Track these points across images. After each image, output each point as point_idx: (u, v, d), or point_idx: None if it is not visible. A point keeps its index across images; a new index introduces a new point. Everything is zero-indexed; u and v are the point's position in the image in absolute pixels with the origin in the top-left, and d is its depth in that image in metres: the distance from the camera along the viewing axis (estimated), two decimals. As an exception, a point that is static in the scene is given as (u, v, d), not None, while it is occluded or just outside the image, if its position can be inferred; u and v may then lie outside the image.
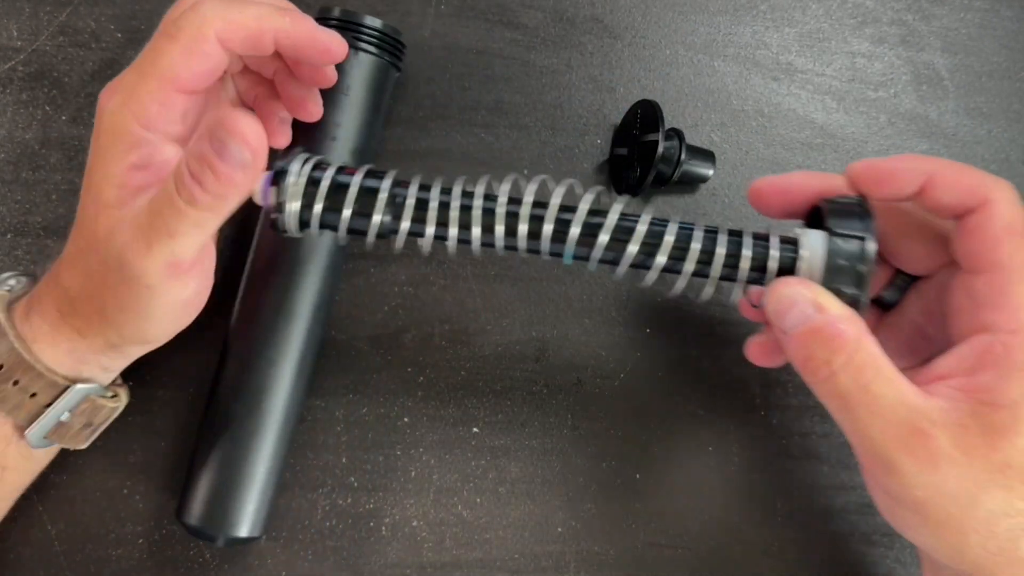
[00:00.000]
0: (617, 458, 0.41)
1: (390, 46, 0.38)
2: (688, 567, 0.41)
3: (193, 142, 0.27)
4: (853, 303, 0.27)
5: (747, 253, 0.29)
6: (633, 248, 0.29)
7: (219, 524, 0.35)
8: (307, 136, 0.37)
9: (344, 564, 0.39)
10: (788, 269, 0.28)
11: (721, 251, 0.29)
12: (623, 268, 0.29)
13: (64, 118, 0.40)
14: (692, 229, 0.29)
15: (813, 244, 0.28)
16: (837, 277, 0.27)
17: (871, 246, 0.27)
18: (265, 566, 0.38)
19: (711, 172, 0.42)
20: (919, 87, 0.45)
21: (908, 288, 0.34)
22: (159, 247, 0.28)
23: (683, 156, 0.41)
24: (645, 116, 0.40)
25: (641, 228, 0.29)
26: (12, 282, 0.35)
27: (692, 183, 0.43)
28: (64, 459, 0.38)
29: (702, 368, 0.42)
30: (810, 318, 0.27)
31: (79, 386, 0.32)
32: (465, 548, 0.40)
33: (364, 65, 0.37)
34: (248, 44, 0.30)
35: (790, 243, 0.29)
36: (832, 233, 0.28)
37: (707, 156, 0.42)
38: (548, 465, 0.41)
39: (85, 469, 0.38)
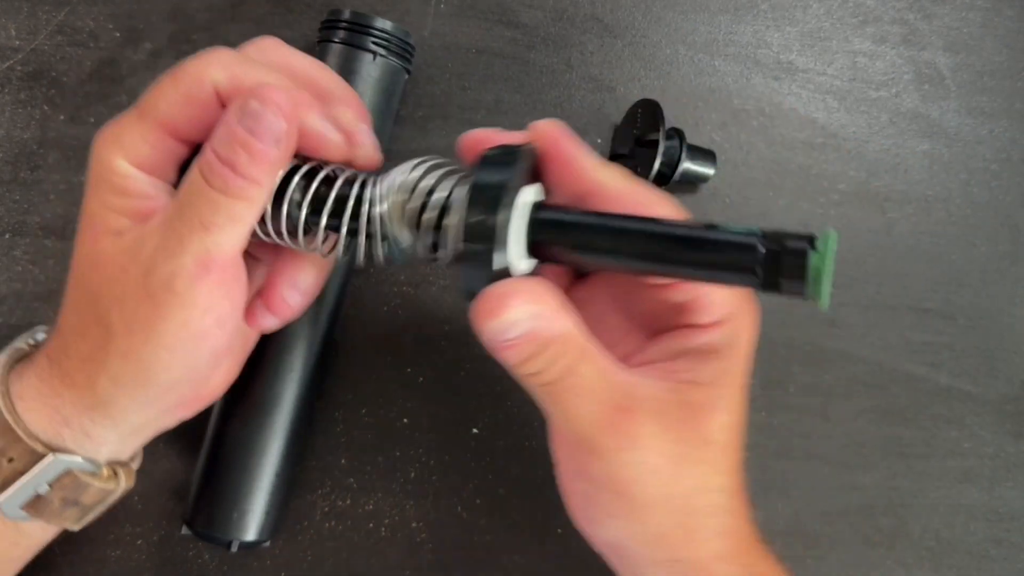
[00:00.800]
0: (617, 459, 0.41)
1: (402, 49, 0.38)
2: (688, 568, 0.40)
3: (216, 131, 0.26)
4: (488, 233, 0.25)
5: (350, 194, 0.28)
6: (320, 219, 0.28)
7: (236, 529, 0.35)
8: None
9: (344, 565, 0.39)
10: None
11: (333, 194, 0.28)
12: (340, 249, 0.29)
13: (62, 118, 0.40)
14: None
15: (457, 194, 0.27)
16: (475, 210, 0.26)
17: (510, 180, 0.26)
18: (264, 568, 0.38)
19: (712, 172, 0.42)
20: (921, 86, 0.45)
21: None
22: (191, 241, 0.26)
23: (684, 155, 0.40)
24: (645, 115, 0.40)
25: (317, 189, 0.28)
26: (41, 335, 0.32)
27: (693, 183, 0.43)
28: (63, 460, 0.38)
29: (703, 368, 0.42)
30: (530, 329, 0.26)
31: (59, 456, 0.28)
32: (465, 549, 0.39)
33: (379, 69, 0.37)
34: None
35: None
36: (481, 166, 0.27)
37: (708, 156, 0.42)
38: (548, 465, 0.40)
39: (84, 470, 0.38)
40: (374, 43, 0.37)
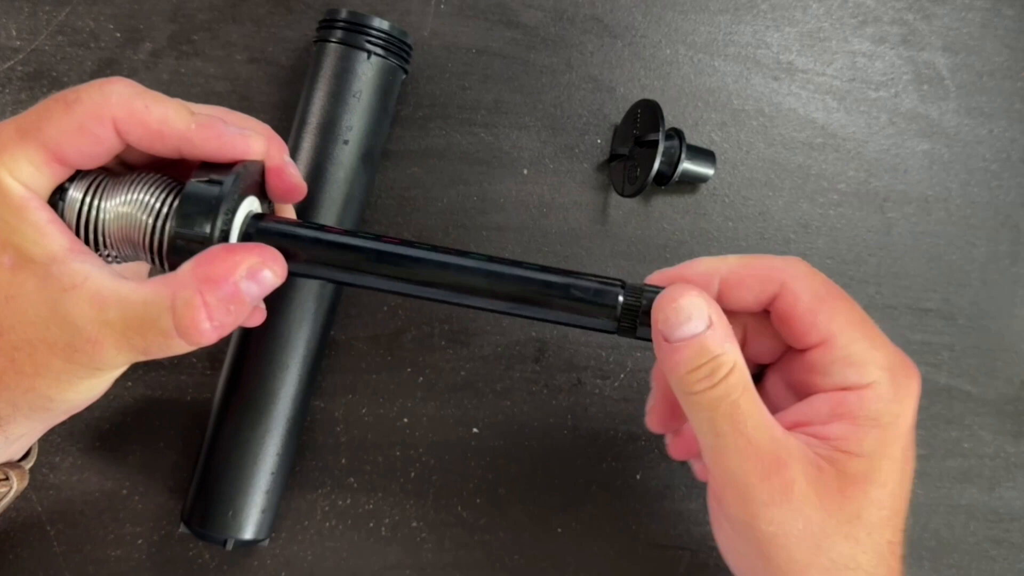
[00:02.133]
0: (617, 459, 0.41)
1: (399, 48, 0.38)
2: (688, 568, 0.41)
3: (203, 281, 0.25)
4: (203, 242, 0.26)
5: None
6: None
7: (230, 527, 0.35)
8: (317, 139, 0.37)
9: (344, 565, 0.39)
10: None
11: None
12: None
13: (63, 118, 0.40)
14: None
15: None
16: (186, 221, 0.26)
17: (224, 191, 0.26)
18: (264, 567, 0.38)
19: (711, 172, 0.42)
20: (920, 87, 0.45)
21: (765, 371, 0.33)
22: (128, 355, 0.26)
23: (683, 156, 0.40)
24: (645, 116, 0.40)
25: None
26: None
27: (692, 183, 0.43)
28: (63, 460, 0.38)
29: (702, 368, 0.42)
30: (702, 332, 0.26)
31: None
32: (465, 548, 0.39)
33: (374, 68, 0.37)
34: (146, 142, 0.27)
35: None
36: (196, 177, 0.27)
37: (707, 156, 0.42)
38: (548, 465, 0.41)
39: (84, 470, 0.38)
40: (369, 42, 0.37)
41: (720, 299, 0.28)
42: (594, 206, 0.42)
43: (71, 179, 0.27)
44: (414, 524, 0.39)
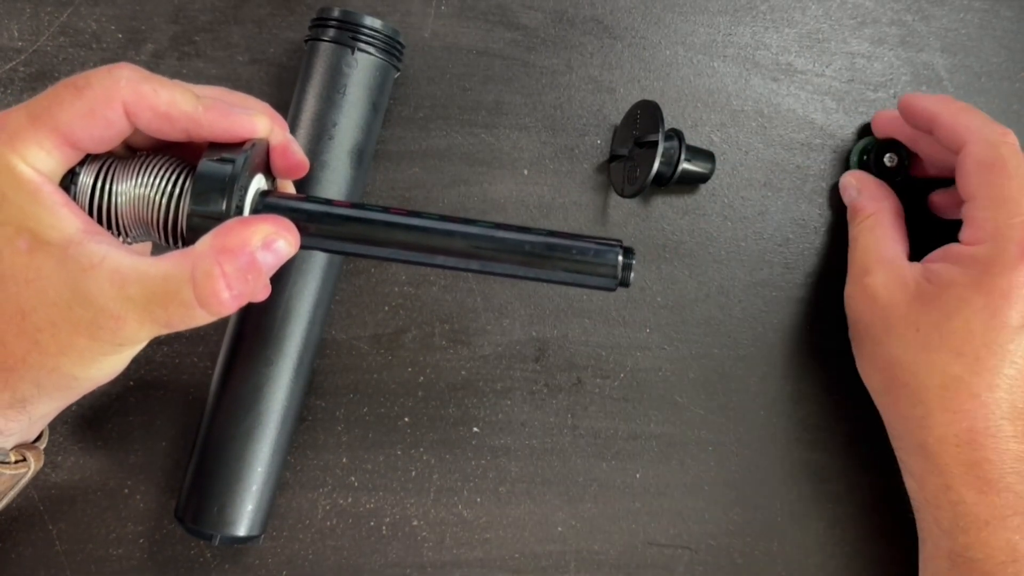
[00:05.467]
0: (617, 458, 0.41)
1: (388, 46, 0.38)
2: (688, 567, 0.41)
3: (229, 248, 0.26)
4: (219, 218, 0.27)
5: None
6: None
7: (216, 523, 0.35)
8: (304, 137, 0.37)
9: (345, 563, 0.39)
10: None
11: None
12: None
13: (65, 118, 0.40)
14: None
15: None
16: (201, 199, 0.27)
17: (235, 169, 0.27)
18: (266, 565, 0.38)
19: (711, 172, 0.42)
20: (918, 88, 0.45)
21: None
22: (151, 329, 0.26)
23: (683, 156, 0.41)
24: (645, 116, 0.41)
25: None
26: None
27: (692, 183, 0.43)
28: (65, 460, 0.38)
29: (702, 368, 0.42)
30: (855, 198, 0.42)
31: None
32: (465, 548, 0.40)
33: (361, 65, 0.38)
34: (155, 125, 0.28)
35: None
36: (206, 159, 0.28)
37: (707, 156, 0.42)
38: (548, 465, 0.41)
39: (86, 469, 0.38)
40: (354, 39, 0.37)
41: (932, 134, 0.39)
42: (594, 206, 0.43)
43: (81, 163, 0.28)
44: (415, 523, 0.39)
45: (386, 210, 0.29)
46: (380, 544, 0.39)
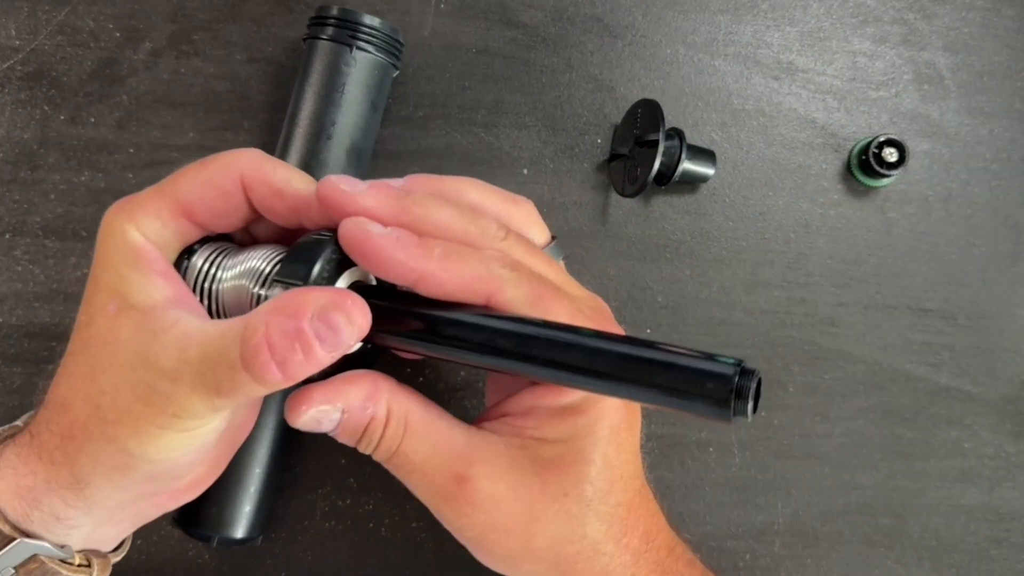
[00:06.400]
0: (617, 459, 0.41)
1: (387, 44, 0.38)
2: (688, 568, 0.40)
3: (276, 314, 0.24)
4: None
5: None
6: None
7: (214, 525, 0.35)
8: (303, 135, 0.37)
9: (344, 566, 0.39)
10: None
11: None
12: None
13: (62, 118, 0.40)
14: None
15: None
16: (286, 268, 0.26)
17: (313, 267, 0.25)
18: (264, 567, 0.38)
19: (712, 172, 0.42)
20: (920, 86, 0.45)
21: None
22: (204, 396, 0.25)
23: (684, 155, 0.40)
24: (645, 115, 0.40)
25: None
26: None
27: (693, 183, 0.43)
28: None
29: (702, 368, 0.42)
30: (340, 420, 0.27)
31: (25, 540, 0.26)
32: (464, 549, 0.39)
33: (360, 63, 0.37)
34: (268, 202, 0.27)
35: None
36: (292, 252, 0.26)
37: (708, 156, 0.42)
38: (548, 466, 0.40)
39: (84, 470, 0.38)
40: (353, 37, 0.37)
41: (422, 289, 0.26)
42: (594, 206, 0.42)
43: (200, 242, 0.28)
44: (414, 525, 0.39)
45: (485, 316, 0.25)
46: (379, 546, 0.39)
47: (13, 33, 0.40)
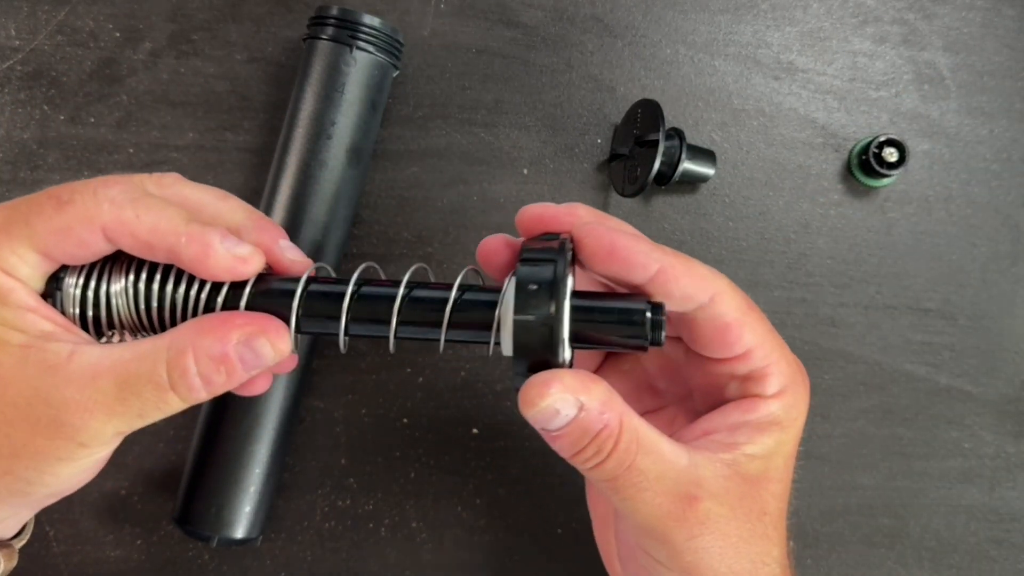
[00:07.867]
0: (617, 459, 0.41)
1: (387, 44, 0.38)
2: (688, 568, 0.40)
3: (202, 335, 0.25)
4: (547, 324, 0.25)
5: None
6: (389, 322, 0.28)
7: (214, 525, 0.35)
8: (303, 135, 0.37)
9: (343, 565, 0.39)
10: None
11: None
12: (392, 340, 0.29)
13: (62, 118, 0.40)
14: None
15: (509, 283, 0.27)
16: (527, 304, 0.25)
17: (559, 270, 0.25)
18: (264, 567, 0.38)
19: (712, 172, 0.42)
20: (921, 86, 0.45)
21: None
22: (120, 421, 0.25)
23: (684, 155, 0.40)
24: (645, 115, 0.40)
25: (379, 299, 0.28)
26: None
27: (693, 183, 0.43)
28: (62, 460, 0.38)
29: (703, 368, 0.42)
30: (574, 418, 0.25)
31: None
32: (465, 549, 0.39)
33: (360, 63, 0.37)
34: (136, 250, 0.27)
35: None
36: (523, 261, 0.26)
37: (708, 156, 0.42)
38: (548, 465, 0.40)
39: (83, 470, 0.38)
40: (352, 37, 0.37)
41: (653, 287, 0.27)
42: (594, 206, 0.42)
43: (64, 267, 0.27)
44: (414, 525, 0.39)
45: (393, 283, 0.28)
46: (379, 546, 0.39)
47: (13, 33, 0.40)
